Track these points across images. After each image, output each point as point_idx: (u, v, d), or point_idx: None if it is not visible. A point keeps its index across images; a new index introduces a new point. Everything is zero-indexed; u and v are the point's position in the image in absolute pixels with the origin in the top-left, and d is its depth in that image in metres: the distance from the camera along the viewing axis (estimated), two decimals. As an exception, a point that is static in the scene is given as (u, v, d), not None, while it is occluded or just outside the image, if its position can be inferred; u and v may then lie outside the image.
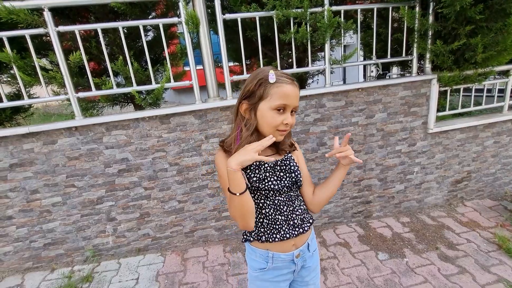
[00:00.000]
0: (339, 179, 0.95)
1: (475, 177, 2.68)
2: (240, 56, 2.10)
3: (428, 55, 2.26)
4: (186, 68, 2.51)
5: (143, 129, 2.01)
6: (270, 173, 0.92)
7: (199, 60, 2.07)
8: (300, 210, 0.97)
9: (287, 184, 0.93)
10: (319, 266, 1.09)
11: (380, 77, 3.48)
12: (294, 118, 0.88)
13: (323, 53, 2.32)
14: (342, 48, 2.24)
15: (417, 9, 2.12)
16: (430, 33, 2.17)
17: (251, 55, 2.73)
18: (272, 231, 0.93)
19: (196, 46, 2.10)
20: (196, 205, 2.23)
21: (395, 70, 3.89)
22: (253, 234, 0.95)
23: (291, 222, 0.94)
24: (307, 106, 2.17)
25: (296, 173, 0.94)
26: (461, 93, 2.50)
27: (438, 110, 2.43)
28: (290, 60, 2.65)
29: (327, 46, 2.12)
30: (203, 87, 2.12)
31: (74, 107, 1.96)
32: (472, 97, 2.55)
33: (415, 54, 2.29)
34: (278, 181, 0.92)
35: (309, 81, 2.90)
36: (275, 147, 0.95)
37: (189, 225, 2.27)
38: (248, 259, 1.02)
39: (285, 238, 0.92)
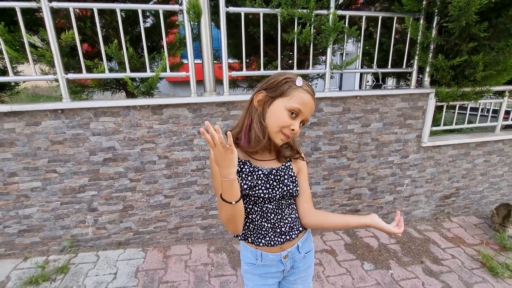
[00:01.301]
0: (348, 226, 0.94)
1: (463, 194, 2.71)
2: (240, 52, 2.05)
3: (428, 69, 2.26)
4: (184, 61, 2.45)
5: (133, 118, 1.93)
6: (263, 181, 0.88)
7: (198, 54, 2.01)
8: (289, 219, 0.94)
9: (278, 195, 0.89)
10: (312, 267, 1.06)
11: (375, 87, 3.50)
12: (300, 130, 0.86)
13: (324, 57, 2.30)
14: (344, 54, 2.22)
15: (421, 21, 2.12)
16: (432, 46, 2.17)
17: (251, 53, 2.68)
18: (258, 236, 0.92)
19: (196, 37, 2.03)
20: (183, 201, 2.16)
21: (390, 82, 3.92)
22: (241, 234, 0.95)
23: (278, 230, 0.92)
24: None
25: (290, 186, 0.90)
26: (457, 110, 2.52)
27: (432, 125, 2.43)
28: (290, 61, 2.62)
29: (329, 50, 2.09)
30: (200, 82, 2.05)
31: (62, 88, 1.86)
32: (467, 114, 2.56)
33: (415, 66, 2.29)
34: (269, 190, 0.88)
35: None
36: (276, 153, 0.91)
37: (174, 221, 2.19)
38: (241, 254, 1.03)
39: (269, 245, 0.92)
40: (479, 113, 2.69)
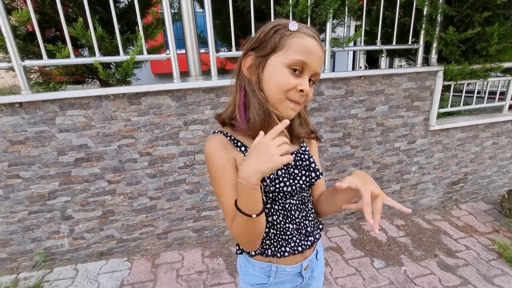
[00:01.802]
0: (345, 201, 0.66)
1: (471, 179, 2.56)
2: (229, 31, 1.79)
3: (435, 44, 2.06)
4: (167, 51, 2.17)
5: (107, 110, 1.65)
6: (283, 171, 0.66)
7: (179, 35, 1.75)
8: (312, 215, 0.76)
9: (303, 185, 0.69)
10: (323, 270, 0.88)
11: (370, 67, 3.30)
12: (312, 90, 0.64)
13: (322, 35, 2.06)
14: (345, 29, 1.99)
15: (429, -10, 1.90)
16: (440, 18, 1.96)
17: (240, 35, 2.41)
18: (281, 243, 0.71)
19: (177, 14, 1.76)
20: (171, 203, 1.91)
21: (383, 65, 3.72)
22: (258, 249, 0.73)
23: (303, 231, 0.73)
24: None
25: (316, 172, 0.70)
26: (465, 89, 2.34)
27: (440, 106, 2.25)
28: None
29: (328, 25, 1.85)
30: (185, 74, 1.79)
31: (19, 78, 1.57)
32: (475, 96, 2.39)
33: (421, 42, 2.08)
34: (292, 181, 0.67)
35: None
36: (288, 131, 0.67)
37: (162, 225, 1.95)
38: (243, 273, 0.79)
39: (296, 252, 0.71)
40: (487, 93, 2.51)
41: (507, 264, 1.88)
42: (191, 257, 1.94)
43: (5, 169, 1.64)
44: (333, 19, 1.90)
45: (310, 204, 0.76)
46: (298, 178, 0.69)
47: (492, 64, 2.09)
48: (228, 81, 1.75)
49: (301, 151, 0.71)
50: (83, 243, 1.88)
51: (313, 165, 0.71)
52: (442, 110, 2.27)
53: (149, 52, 1.81)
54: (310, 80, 0.62)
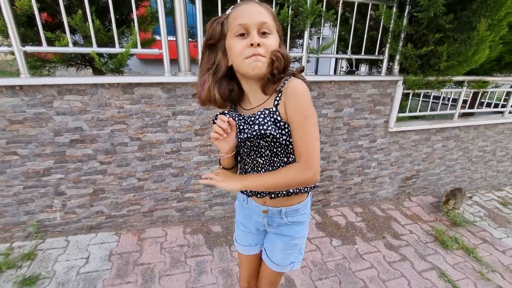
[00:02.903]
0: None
1: (422, 176, 2.95)
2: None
3: (397, 57, 2.36)
4: (157, 37, 2.32)
5: (102, 97, 1.82)
6: (244, 125, 0.80)
7: (171, 31, 1.92)
8: (268, 156, 0.85)
9: (250, 137, 0.78)
10: (298, 245, 1.00)
11: (349, 73, 3.60)
12: (271, 40, 0.72)
13: (300, 41, 2.30)
14: (321, 39, 2.24)
15: (394, 9, 2.18)
16: (402, 35, 2.26)
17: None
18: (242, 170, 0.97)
19: (169, 12, 1.93)
20: (157, 184, 2.13)
21: (363, 69, 4.05)
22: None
23: (255, 168, 0.91)
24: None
25: (262, 126, 0.73)
26: (421, 98, 2.69)
27: (398, 111, 2.58)
28: (268, 43, 2.58)
29: (306, 34, 2.09)
30: (174, 61, 1.97)
31: (19, 62, 1.69)
32: (430, 102, 2.75)
33: (386, 54, 2.38)
34: (242, 134, 0.79)
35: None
36: (268, 87, 0.77)
37: (148, 204, 2.16)
38: (236, 204, 1.11)
39: (250, 194, 0.96)
40: (441, 101, 2.89)
41: (440, 246, 2.27)
42: (174, 233, 2.17)
43: (3, 146, 1.77)
44: (310, 28, 2.14)
45: (281, 163, 0.83)
46: (246, 131, 0.78)
47: (444, 77, 2.43)
48: (214, 78, 1.96)
49: (259, 114, 0.76)
50: (74, 217, 2.05)
51: (256, 124, 0.75)
52: (400, 115, 2.61)
53: (141, 45, 1.97)
54: (264, 33, 0.71)
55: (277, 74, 0.73)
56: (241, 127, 0.80)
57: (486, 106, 3.08)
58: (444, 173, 3.04)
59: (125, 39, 2.23)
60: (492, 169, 3.29)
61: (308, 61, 2.23)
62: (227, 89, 0.82)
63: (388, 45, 2.32)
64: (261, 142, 0.82)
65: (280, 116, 0.75)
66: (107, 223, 2.14)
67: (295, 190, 0.90)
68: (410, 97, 2.61)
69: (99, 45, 1.85)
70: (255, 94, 0.82)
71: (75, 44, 2.10)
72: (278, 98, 0.76)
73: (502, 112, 3.09)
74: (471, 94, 2.97)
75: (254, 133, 0.74)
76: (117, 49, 1.81)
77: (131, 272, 1.79)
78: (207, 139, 2.11)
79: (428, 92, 2.70)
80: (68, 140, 1.86)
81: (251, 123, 0.77)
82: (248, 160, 0.90)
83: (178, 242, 2.09)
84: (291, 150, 0.81)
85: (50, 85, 1.73)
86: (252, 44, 0.69)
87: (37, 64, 2.03)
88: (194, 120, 2.04)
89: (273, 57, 0.71)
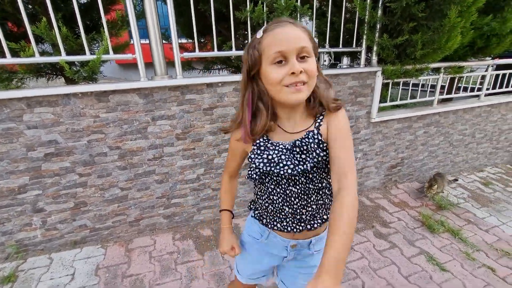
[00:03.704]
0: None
1: (407, 163, 3.01)
2: (192, 31, 1.94)
3: (375, 48, 2.38)
4: (131, 41, 2.25)
5: (75, 107, 1.74)
6: (287, 156, 0.74)
7: (145, 33, 1.86)
8: (314, 206, 0.81)
9: (305, 170, 0.73)
10: (315, 265, 0.88)
11: (332, 66, 3.62)
12: (311, 64, 0.67)
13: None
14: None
15: (368, 0, 2.19)
16: (378, 26, 2.27)
17: (206, 33, 2.56)
18: (275, 218, 0.86)
19: (141, 15, 1.87)
20: (141, 192, 2.07)
21: (345, 61, 4.08)
22: (256, 212, 0.93)
23: (297, 217, 0.83)
24: (261, 91, 2.13)
25: (316, 153, 0.72)
26: (401, 87, 2.73)
27: (380, 101, 2.61)
28: (246, 41, 2.56)
29: (283, 30, 2.07)
30: (150, 64, 1.91)
31: (-19, 76, 1.60)
32: (410, 90, 2.79)
33: (364, 46, 2.40)
34: (295, 167, 0.73)
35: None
36: (306, 112, 0.75)
37: (134, 213, 2.10)
38: (247, 223, 1.03)
39: (285, 231, 0.85)
40: (420, 88, 2.95)
41: (427, 230, 2.32)
42: (163, 241, 2.13)
43: (-29, 165, 1.68)
44: (287, 24, 2.12)
45: (316, 197, 0.80)
46: (286, 166, 0.74)
47: (421, 65, 2.47)
48: (192, 80, 1.92)
49: (298, 141, 0.74)
50: (56, 233, 1.98)
51: (298, 156, 0.73)
52: (382, 105, 2.64)
53: (114, 50, 1.90)
54: (303, 57, 0.66)
55: (319, 101, 0.74)
56: (280, 159, 0.74)
57: (463, 91, 3.16)
58: (427, 158, 3.11)
59: (98, 45, 2.15)
60: (473, 151, 3.40)
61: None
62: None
63: (365, 37, 2.33)
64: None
65: (322, 138, 0.74)
66: (92, 237, 2.07)
67: (327, 217, 0.84)
68: (390, 87, 2.64)
69: (69, 53, 1.77)
70: (291, 119, 0.77)
71: (44, 53, 2.01)
72: (319, 120, 0.75)
73: (478, 96, 3.18)
74: (448, 80, 3.04)
75: (305, 166, 0.72)
76: (87, 57, 1.74)
77: (120, 284, 1.74)
78: (189, 142, 2.07)
79: (407, 81, 2.75)
80: (42, 155, 1.78)
81: (296, 153, 0.74)
82: (277, 189, 0.81)
83: (168, 249, 2.05)
84: (324, 175, 0.78)
85: (19, 98, 1.64)
86: (293, 73, 0.64)
87: (2, 76, 1.93)
88: (174, 124, 1.99)
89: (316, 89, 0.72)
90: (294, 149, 0.74)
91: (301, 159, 0.74)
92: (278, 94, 0.69)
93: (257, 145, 0.78)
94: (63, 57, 1.68)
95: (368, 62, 2.52)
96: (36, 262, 1.90)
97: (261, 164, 0.76)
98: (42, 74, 2.12)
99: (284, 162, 0.74)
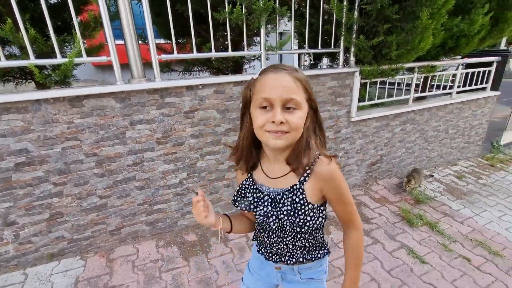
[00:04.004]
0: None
1: (386, 160, 3.11)
2: (170, 32, 1.89)
3: (352, 49, 2.44)
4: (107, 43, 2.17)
5: (47, 113, 1.66)
6: (263, 203, 0.81)
7: (120, 34, 1.80)
8: (291, 246, 0.84)
9: (276, 221, 0.79)
10: None
11: (312, 66, 3.67)
12: (297, 116, 0.67)
13: (259, 38, 2.28)
14: (278, 35, 2.24)
15: (345, 2, 2.24)
16: (355, 27, 2.33)
17: (185, 33, 2.51)
18: (260, 242, 0.95)
19: (115, 16, 1.81)
20: (122, 200, 2.00)
21: (325, 61, 4.16)
22: (254, 233, 0.98)
23: (275, 249, 0.88)
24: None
25: (290, 212, 0.76)
26: (378, 86, 2.81)
27: (359, 101, 2.68)
28: (226, 42, 2.54)
29: (262, 31, 2.08)
30: (127, 66, 1.85)
31: None
32: (386, 90, 2.89)
33: (341, 47, 2.45)
34: (264, 216, 0.81)
35: (246, 66, 2.85)
36: (293, 164, 0.74)
37: (114, 222, 2.03)
38: (253, 249, 1.05)
39: (267, 259, 0.91)
40: (396, 87, 3.05)
41: (407, 224, 2.41)
42: (146, 249, 2.07)
43: None
44: (267, 25, 2.13)
45: (293, 240, 0.82)
46: (269, 215, 0.79)
47: (396, 65, 2.56)
48: (171, 82, 1.88)
49: (279, 196, 0.77)
50: (31, 247, 1.87)
51: (284, 211, 0.76)
52: (361, 104, 2.71)
53: (88, 52, 1.83)
54: (288, 108, 0.66)
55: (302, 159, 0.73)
56: (263, 206, 0.81)
57: (436, 89, 3.31)
58: (405, 155, 3.23)
59: (70, 47, 2.06)
60: (446, 146, 3.56)
61: (267, 59, 2.22)
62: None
63: (342, 38, 2.38)
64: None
65: (306, 198, 0.74)
66: (70, 248, 1.98)
67: (309, 258, 0.87)
68: (368, 86, 2.72)
69: (38, 56, 1.69)
70: (278, 163, 0.78)
71: (11, 56, 1.90)
72: (306, 176, 0.74)
73: (450, 93, 3.34)
74: (422, 79, 3.17)
75: (280, 218, 0.78)
76: (59, 60, 1.66)
77: (101, 297, 1.67)
78: (171, 146, 2.02)
79: (384, 80, 2.84)
80: (12, 164, 1.67)
81: (276, 203, 0.79)
82: (271, 234, 0.86)
83: (151, 257, 1.99)
84: (316, 226, 0.80)
85: (-17, 105, 1.54)
86: (273, 122, 0.65)
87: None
88: (154, 128, 1.94)
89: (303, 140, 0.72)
90: (276, 199, 0.78)
91: (280, 211, 0.78)
92: (260, 137, 0.71)
93: (243, 184, 0.87)
94: (32, 61, 1.59)
95: (346, 63, 2.58)
96: (9, 279, 1.79)
97: (242, 205, 0.87)
98: (9, 79, 2.00)
99: (261, 208, 0.81)
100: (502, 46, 3.74)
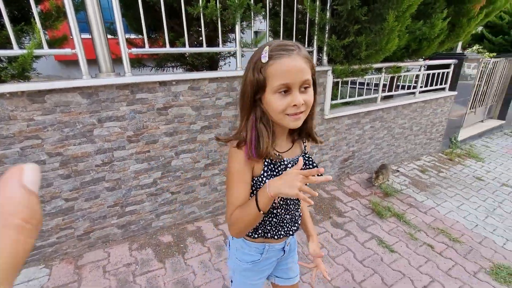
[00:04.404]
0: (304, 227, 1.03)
1: (357, 156, 3.25)
2: (141, 26, 1.82)
3: (325, 48, 2.52)
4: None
5: (2, 110, 1.51)
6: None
7: (86, 27, 1.69)
8: (301, 205, 0.98)
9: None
10: (295, 242, 1.10)
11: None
12: (310, 94, 0.72)
13: (234, 35, 2.27)
14: (253, 34, 2.24)
15: (317, 3, 2.30)
16: (327, 27, 2.40)
17: (156, 27, 2.43)
18: (278, 228, 0.91)
19: (80, 6, 1.69)
20: (90, 202, 1.88)
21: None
22: (258, 231, 0.90)
23: (294, 219, 0.93)
24: (218, 89, 2.10)
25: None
26: (349, 85, 2.93)
27: (331, 99, 2.77)
28: (201, 38, 2.49)
29: (237, 27, 2.07)
30: (94, 61, 1.74)
31: None
32: (357, 89, 3.02)
33: (315, 46, 2.51)
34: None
35: (221, 63, 2.82)
36: (291, 136, 0.86)
37: (82, 226, 1.91)
38: (238, 253, 0.96)
39: (288, 235, 0.93)
40: (365, 87, 3.20)
41: (377, 216, 2.53)
42: (118, 253, 1.97)
43: None
44: (241, 22, 2.12)
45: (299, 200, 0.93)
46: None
47: (365, 65, 2.68)
48: (142, 77, 1.80)
49: (305, 158, 0.86)
50: (-16, 257, 1.69)
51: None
52: (333, 102, 2.80)
53: (50, 44, 1.70)
54: (304, 88, 0.70)
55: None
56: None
57: (401, 89, 3.52)
58: (374, 151, 3.40)
59: (30, 38, 1.89)
60: (411, 142, 3.81)
61: (243, 55, 2.21)
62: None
63: (315, 37, 2.45)
64: None
65: (312, 157, 0.88)
66: (33, 256, 1.82)
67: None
68: (340, 85, 2.82)
69: (-9, 47, 1.53)
70: (283, 138, 0.85)
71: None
72: (304, 143, 0.90)
73: (414, 93, 3.57)
74: (389, 79, 3.35)
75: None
76: (15, 51, 1.52)
77: (69, 306, 1.56)
78: (143, 145, 1.94)
79: (355, 79, 2.96)
80: (-40, 166, 1.50)
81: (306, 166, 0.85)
82: (281, 202, 0.87)
83: (124, 261, 1.90)
84: None
85: None
86: (295, 105, 0.69)
87: None
88: (125, 126, 1.85)
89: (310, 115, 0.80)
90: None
91: None
92: (279, 120, 0.73)
93: (269, 162, 0.80)
94: (-17, 52, 1.44)
95: (320, 62, 2.65)
96: (-42, 294, 1.61)
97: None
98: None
99: None
100: (458, 50, 4.07)
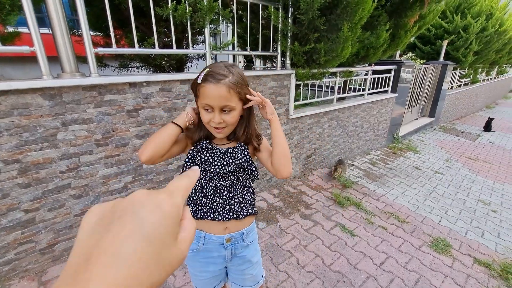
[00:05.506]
0: (274, 134, 0.98)
1: (318, 152, 3.52)
2: (107, 24, 1.75)
3: (288, 53, 2.70)
4: (22, 30, 1.85)
5: None
6: (219, 158, 0.95)
7: (42, 23, 1.57)
8: (241, 199, 1.00)
9: (232, 170, 0.95)
10: (258, 260, 1.11)
11: (247, 68, 3.86)
12: (231, 116, 0.86)
13: (202, 37, 2.31)
14: (221, 36, 2.31)
15: (280, 11, 2.47)
16: (289, 34, 2.59)
17: (119, 27, 2.33)
18: (208, 210, 0.97)
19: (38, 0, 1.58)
20: (54, 212, 1.75)
21: (258, 63, 4.41)
22: (193, 212, 0.97)
23: (227, 207, 0.98)
24: (189, 91, 2.12)
25: (241, 160, 0.96)
26: (309, 88, 3.18)
27: (294, 100, 2.97)
28: (169, 39, 2.48)
29: (207, 30, 2.12)
30: (52, 59, 1.63)
31: None
32: (316, 91, 3.28)
33: (279, 51, 2.68)
34: (225, 166, 0.95)
35: (188, 64, 2.82)
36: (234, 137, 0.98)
37: (45, 238, 1.75)
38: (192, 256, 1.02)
39: (217, 219, 0.96)
40: (323, 89, 3.48)
41: (338, 206, 2.80)
42: (86, 263, 1.85)
43: None
44: (210, 25, 2.17)
45: (242, 192, 0.99)
46: (230, 165, 0.94)
47: (323, 70, 2.94)
48: (110, 78, 1.74)
49: (237, 147, 0.97)
50: None
51: (241, 155, 0.96)
52: (296, 103, 3.01)
53: (3, 40, 1.54)
54: (225, 110, 0.84)
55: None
56: (213, 160, 0.95)
57: (353, 91, 3.91)
58: (332, 147, 3.72)
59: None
60: (362, 139, 4.24)
61: (212, 58, 2.26)
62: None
63: (279, 43, 2.61)
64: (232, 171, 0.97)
65: (248, 152, 0.98)
66: (-18, 278, 1.62)
67: (252, 211, 1.03)
68: (302, 87, 3.04)
69: None
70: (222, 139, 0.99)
71: None
72: (245, 146, 0.99)
73: (363, 95, 4.00)
74: (343, 82, 3.70)
75: (237, 167, 0.94)
76: (-39, 47, 1.35)
77: (36, 325, 1.44)
78: (112, 148, 1.87)
79: (314, 82, 3.21)
80: None
81: (230, 156, 0.95)
82: (210, 183, 0.96)
83: (95, 271, 1.80)
84: (248, 178, 1.01)
85: None
86: (213, 122, 0.85)
87: None
88: (92, 129, 1.76)
89: (247, 125, 0.96)
90: (226, 154, 0.96)
91: (228, 163, 0.96)
92: (207, 128, 0.92)
93: (199, 146, 0.97)
94: None
95: (283, 66, 2.83)
96: None
97: (200, 162, 0.95)
98: None
99: (215, 163, 0.95)
100: (397, 57, 4.67)
